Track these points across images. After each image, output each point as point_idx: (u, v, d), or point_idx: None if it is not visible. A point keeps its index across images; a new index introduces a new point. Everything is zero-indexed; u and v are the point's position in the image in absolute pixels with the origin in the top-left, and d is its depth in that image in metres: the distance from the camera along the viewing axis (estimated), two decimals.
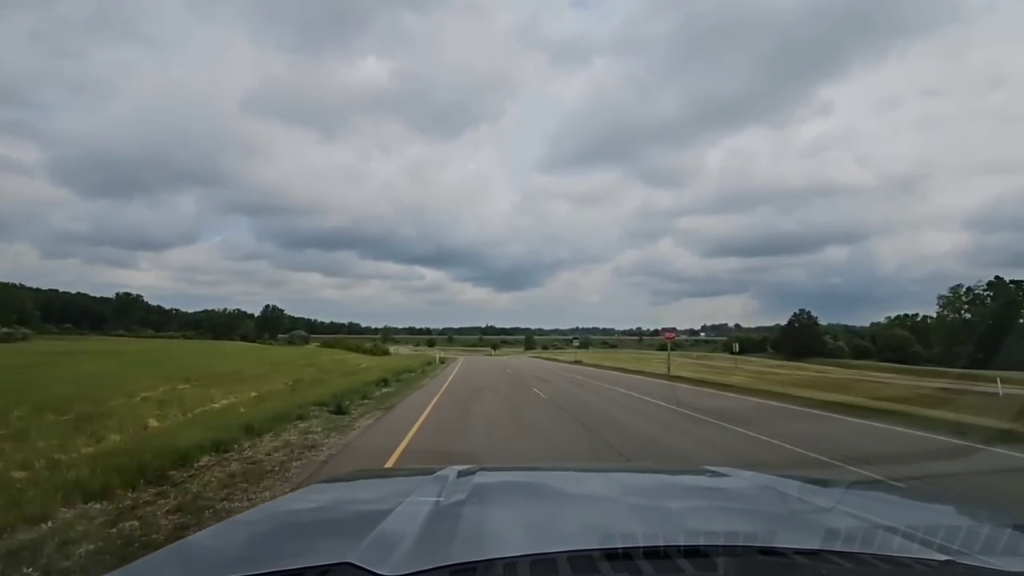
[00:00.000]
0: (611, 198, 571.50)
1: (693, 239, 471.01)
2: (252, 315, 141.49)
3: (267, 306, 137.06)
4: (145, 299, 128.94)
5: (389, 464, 7.24)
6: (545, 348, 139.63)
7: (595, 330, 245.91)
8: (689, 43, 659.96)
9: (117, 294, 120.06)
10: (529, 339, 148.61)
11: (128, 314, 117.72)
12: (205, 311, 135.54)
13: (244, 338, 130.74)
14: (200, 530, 1.17)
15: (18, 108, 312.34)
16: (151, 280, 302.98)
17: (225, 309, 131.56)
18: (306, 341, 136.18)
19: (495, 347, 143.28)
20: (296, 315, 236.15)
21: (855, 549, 0.96)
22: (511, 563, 0.86)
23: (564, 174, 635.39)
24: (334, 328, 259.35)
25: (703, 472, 2.12)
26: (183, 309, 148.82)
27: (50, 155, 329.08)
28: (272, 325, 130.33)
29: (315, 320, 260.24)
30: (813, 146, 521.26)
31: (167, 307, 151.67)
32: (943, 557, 0.94)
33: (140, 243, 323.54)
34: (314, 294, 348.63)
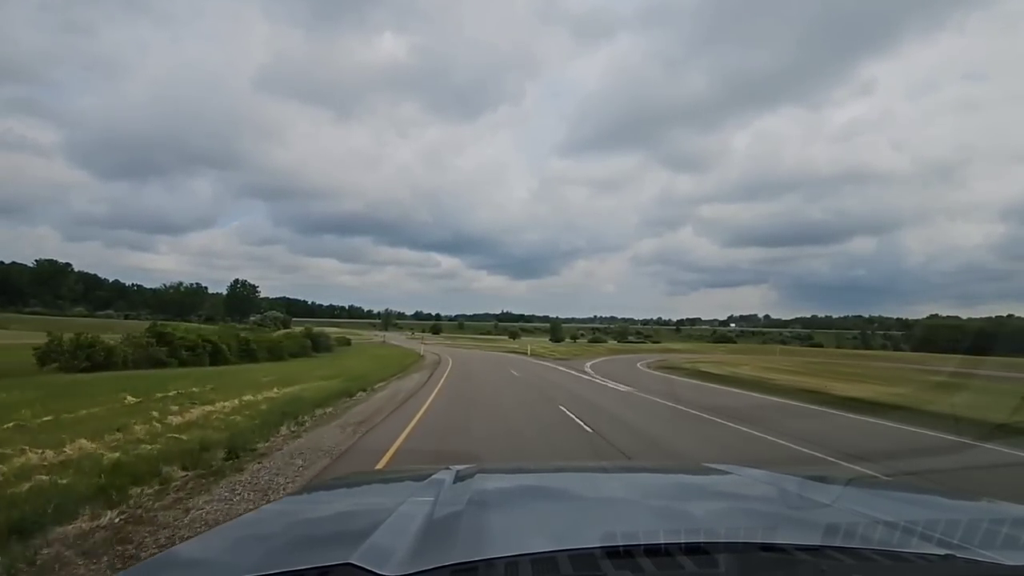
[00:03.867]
0: (631, 184, 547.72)
1: (714, 227, 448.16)
2: (218, 293, 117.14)
3: (235, 281, 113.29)
4: (75, 268, 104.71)
5: None
6: (575, 338, 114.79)
7: (613, 319, 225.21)
8: (720, 12, 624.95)
9: (38, 261, 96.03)
10: (556, 326, 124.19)
11: (52, 287, 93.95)
12: (158, 288, 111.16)
13: (210, 320, 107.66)
14: (201, 532, 1.19)
15: (31, 86, 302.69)
16: (171, 264, 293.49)
17: (180, 284, 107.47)
18: (285, 325, 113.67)
19: (514, 336, 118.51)
20: (295, 297, 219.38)
21: (855, 544, 0.96)
22: (512, 562, 0.86)
23: (583, 159, 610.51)
24: (331, 312, 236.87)
25: (703, 470, 2.17)
26: (146, 285, 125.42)
27: (66, 136, 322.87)
28: (242, 305, 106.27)
29: (312, 302, 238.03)
30: (849, 129, 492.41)
31: (126, 283, 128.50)
32: (943, 551, 0.93)
33: (158, 227, 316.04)
34: (330, 280, 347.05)
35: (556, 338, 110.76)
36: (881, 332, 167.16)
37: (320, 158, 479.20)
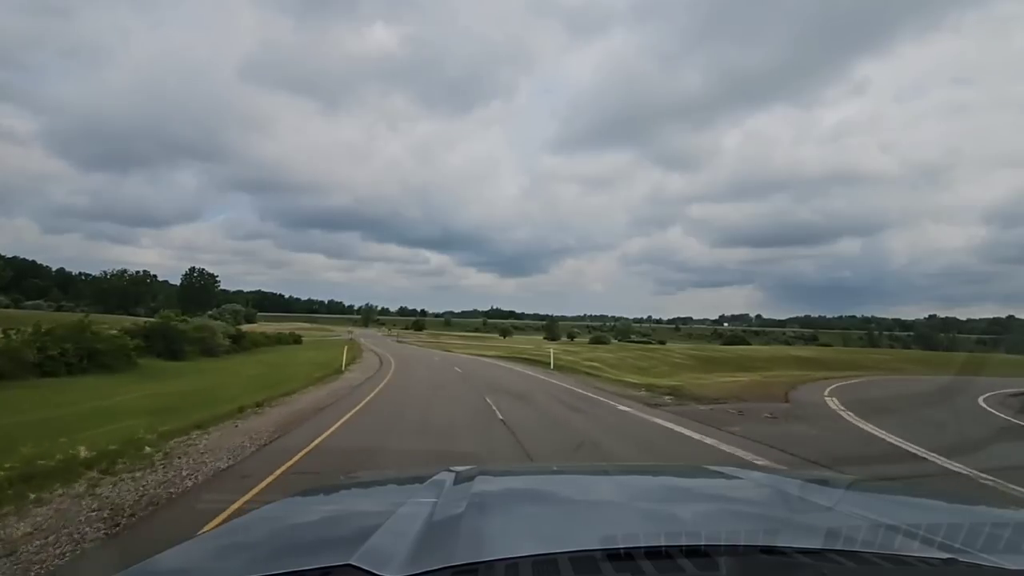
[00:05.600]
0: (622, 181, 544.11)
1: (703, 227, 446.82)
2: (172, 284, 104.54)
3: (191, 270, 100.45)
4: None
5: None
6: (572, 337, 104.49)
7: (603, 318, 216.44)
8: (715, 6, 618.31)
9: None
10: (552, 324, 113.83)
11: None
12: (98, 276, 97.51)
13: (157, 312, 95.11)
14: (202, 533, 1.13)
15: (5, 71, 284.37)
16: (154, 258, 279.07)
17: (124, 272, 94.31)
18: (249, 320, 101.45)
19: (505, 334, 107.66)
20: (272, 292, 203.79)
21: (857, 548, 0.96)
22: (512, 564, 0.86)
23: (575, 155, 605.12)
24: (310, 307, 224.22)
25: (704, 472, 2.20)
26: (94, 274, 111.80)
27: (44, 124, 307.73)
28: (199, 297, 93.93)
29: (289, 296, 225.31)
30: (839, 130, 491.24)
31: (72, 271, 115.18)
32: (945, 555, 0.93)
33: (141, 220, 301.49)
34: (317, 276, 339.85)
35: (552, 336, 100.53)
36: (888, 333, 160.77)
37: (308, 151, 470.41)
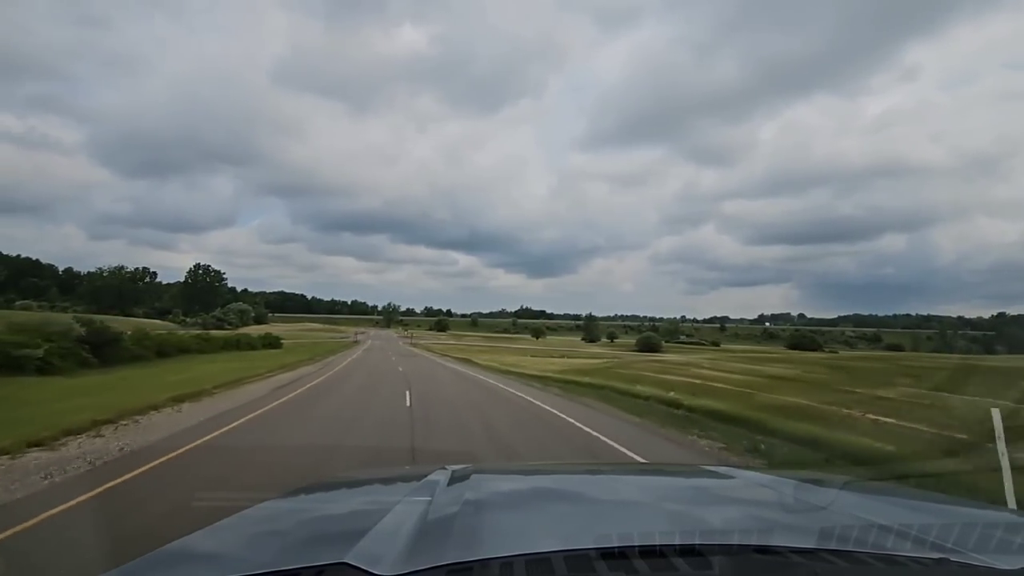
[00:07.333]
0: (653, 179, 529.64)
1: (737, 224, 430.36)
2: (175, 282, 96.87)
3: (196, 266, 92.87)
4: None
5: None
6: (612, 338, 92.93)
7: (635, 317, 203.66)
8: None
9: None
10: (590, 324, 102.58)
11: None
12: (91, 273, 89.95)
13: (164, 313, 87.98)
14: (196, 531, 1.16)
15: (51, 82, 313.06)
16: (192, 263, 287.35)
17: (122, 268, 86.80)
18: (259, 321, 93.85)
19: (539, 334, 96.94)
20: (295, 292, 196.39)
21: (850, 548, 0.97)
22: (507, 562, 0.86)
23: (604, 153, 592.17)
24: (332, 307, 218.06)
25: (699, 471, 2.24)
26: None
27: (88, 134, 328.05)
28: (204, 296, 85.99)
29: (312, 297, 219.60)
30: (886, 119, 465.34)
31: (81, 271, 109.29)
32: (937, 555, 0.94)
33: (180, 225, 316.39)
34: (347, 278, 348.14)
35: (591, 338, 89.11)
36: (960, 332, 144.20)
37: (338, 154, 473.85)
